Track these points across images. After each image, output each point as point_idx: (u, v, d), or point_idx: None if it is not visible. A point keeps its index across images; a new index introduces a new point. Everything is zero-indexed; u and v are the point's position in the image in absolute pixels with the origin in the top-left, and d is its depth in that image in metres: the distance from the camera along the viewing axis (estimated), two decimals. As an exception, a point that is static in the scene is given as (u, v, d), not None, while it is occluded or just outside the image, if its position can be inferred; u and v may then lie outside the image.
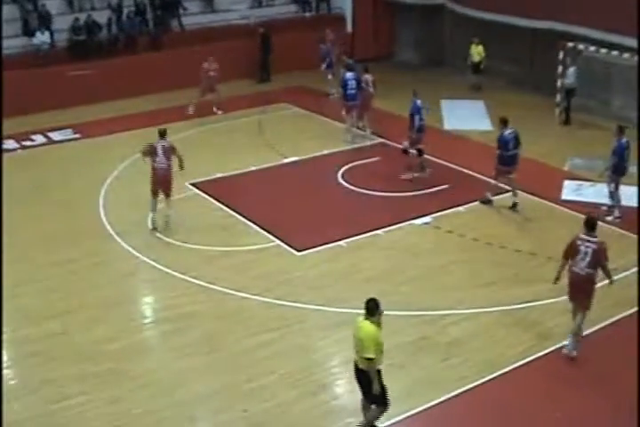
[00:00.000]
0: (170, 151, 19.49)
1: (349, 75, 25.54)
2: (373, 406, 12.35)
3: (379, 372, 11.96)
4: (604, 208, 20.29)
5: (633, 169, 20.75)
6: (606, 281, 14.48)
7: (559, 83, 27.80)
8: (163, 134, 19.66)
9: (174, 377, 14.11)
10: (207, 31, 32.90)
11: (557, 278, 14.52)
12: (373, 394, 12.00)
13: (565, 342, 14.63)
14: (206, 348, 14.96)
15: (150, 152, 19.47)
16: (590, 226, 14.23)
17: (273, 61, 32.86)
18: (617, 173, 19.90)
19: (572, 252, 14.23)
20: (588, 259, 14.04)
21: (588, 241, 14.08)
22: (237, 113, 28.49)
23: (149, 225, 19.83)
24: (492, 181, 20.97)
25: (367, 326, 11.64)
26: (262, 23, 33.58)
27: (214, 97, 28.58)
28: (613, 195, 20.13)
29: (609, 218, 19.93)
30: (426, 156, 23.00)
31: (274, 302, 16.37)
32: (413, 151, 22.84)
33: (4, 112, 26.51)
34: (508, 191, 20.98)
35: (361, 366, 11.89)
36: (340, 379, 14.21)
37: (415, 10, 35.42)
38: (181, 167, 19.69)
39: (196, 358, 14.66)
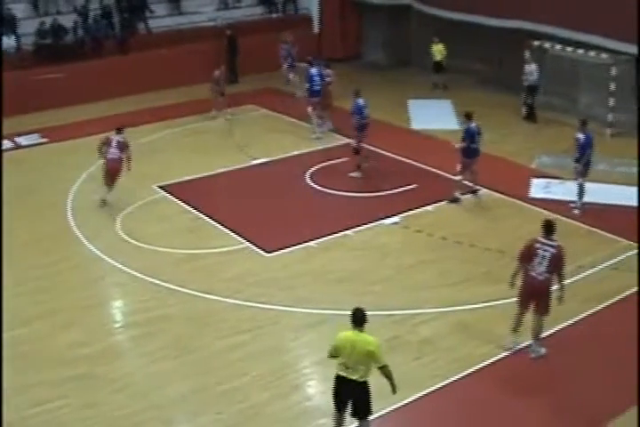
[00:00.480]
0: (123, 146, 20.90)
1: (314, 70, 25.67)
2: (362, 421, 12.13)
3: None
4: (572, 205, 20.43)
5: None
6: (576, 277, 14.59)
7: (524, 81, 27.97)
8: (119, 130, 21.20)
9: (149, 380, 14.08)
10: (174, 34, 32.93)
11: (513, 283, 14.39)
12: (368, 405, 11.97)
13: (508, 341, 14.76)
14: (178, 351, 14.91)
15: (105, 143, 20.96)
16: (549, 230, 14.10)
17: (240, 63, 32.83)
18: (588, 165, 20.14)
19: (528, 255, 14.10)
20: (545, 263, 13.91)
21: (547, 245, 13.98)
22: (204, 115, 28.42)
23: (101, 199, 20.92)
24: (458, 178, 21.08)
25: (369, 338, 11.49)
26: (229, 25, 33.58)
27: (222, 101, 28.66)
28: (582, 187, 20.29)
29: (576, 211, 20.16)
30: (388, 153, 23.06)
31: (244, 304, 16.35)
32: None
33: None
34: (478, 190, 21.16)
35: (354, 376, 11.60)
36: (313, 380, 14.25)
37: (382, 10, 35.48)
38: (128, 168, 20.82)
39: (169, 361, 14.62)
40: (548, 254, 13.90)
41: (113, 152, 20.72)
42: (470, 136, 20.68)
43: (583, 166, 20.04)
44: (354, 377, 11.63)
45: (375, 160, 23.61)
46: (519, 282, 14.38)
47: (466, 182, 21.15)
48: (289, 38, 31.94)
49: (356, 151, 23.03)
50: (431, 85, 31.88)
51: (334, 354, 11.70)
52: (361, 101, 23.07)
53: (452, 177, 21.29)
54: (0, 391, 13.44)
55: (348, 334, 11.59)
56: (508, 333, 14.74)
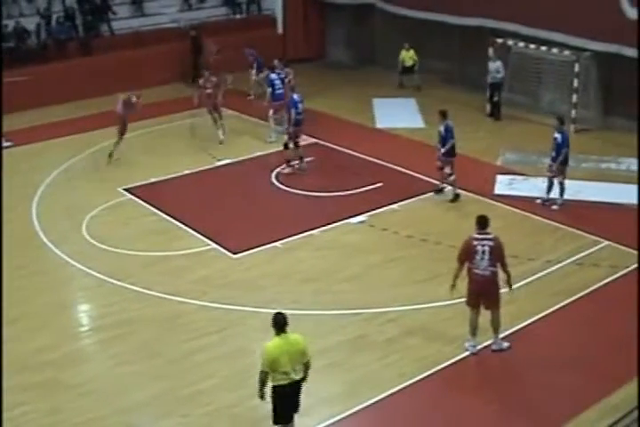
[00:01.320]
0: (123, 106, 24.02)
1: (274, 75, 25.64)
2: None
3: None
4: (540, 201, 20.62)
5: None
6: (543, 273, 14.72)
7: (488, 78, 28.07)
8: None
9: (114, 385, 14.00)
10: (138, 35, 32.70)
11: (454, 285, 14.38)
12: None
13: (469, 344, 14.78)
14: (145, 354, 14.85)
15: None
16: (483, 224, 14.24)
17: (204, 64, 32.70)
18: (566, 163, 20.30)
19: (468, 254, 14.13)
20: (487, 257, 13.97)
21: (484, 239, 14.08)
22: (170, 116, 28.29)
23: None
24: (452, 178, 21.04)
25: (296, 337, 11.53)
26: (193, 26, 33.45)
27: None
28: (563, 185, 20.43)
29: (555, 207, 20.36)
30: (353, 153, 23.17)
31: (211, 306, 16.33)
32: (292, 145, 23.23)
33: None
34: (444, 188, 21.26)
35: (299, 376, 11.62)
36: (280, 380, 14.23)
37: (346, 9, 35.48)
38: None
39: (136, 364, 14.56)
40: (487, 248, 13.99)
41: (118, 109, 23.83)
42: (452, 133, 20.66)
43: (562, 165, 20.19)
44: (298, 377, 11.67)
45: (314, 161, 23.70)
46: (462, 283, 14.41)
47: (450, 180, 21.13)
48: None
49: (286, 146, 23.26)
50: (397, 85, 31.99)
51: (268, 370, 11.51)
52: (296, 96, 23.25)
53: (446, 179, 21.21)
54: (0, 393, 13.38)
55: (276, 342, 11.50)
56: (468, 337, 14.72)
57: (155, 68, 30.66)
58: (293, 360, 11.47)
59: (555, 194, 20.56)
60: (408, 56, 31.76)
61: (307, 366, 11.68)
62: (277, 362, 11.42)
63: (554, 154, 20.22)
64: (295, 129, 23.04)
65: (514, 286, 14.53)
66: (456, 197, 21.05)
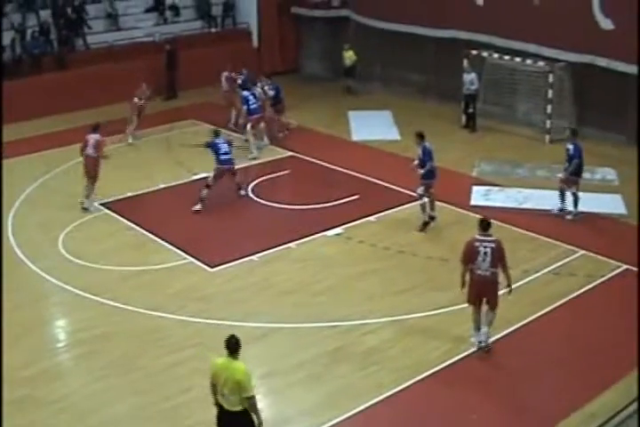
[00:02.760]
0: (98, 144, 21.53)
1: (246, 93, 25.76)
2: None
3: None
4: (555, 211, 20.70)
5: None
6: (520, 282, 14.86)
7: (464, 90, 28.17)
8: (95, 129, 21.89)
9: (92, 400, 13.91)
10: (113, 49, 32.67)
11: (463, 284, 14.68)
12: None
13: (475, 339, 15.03)
14: (123, 369, 14.78)
15: (84, 145, 21.68)
16: (484, 226, 14.57)
17: (179, 78, 32.76)
18: (579, 174, 20.35)
19: (470, 255, 14.47)
20: (488, 259, 14.31)
21: (486, 241, 14.40)
22: (145, 131, 28.22)
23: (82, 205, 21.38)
24: (423, 201, 20.40)
25: (239, 366, 11.10)
26: (168, 40, 33.47)
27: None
28: (577, 196, 20.43)
29: (569, 217, 20.39)
30: (329, 165, 23.60)
31: (189, 320, 16.28)
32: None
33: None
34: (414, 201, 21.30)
35: (235, 408, 11.23)
36: (258, 393, 13.92)
37: (321, 22, 35.71)
38: (104, 156, 21.92)
39: (113, 379, 14.49)
40: (488, 250, 14.30)
41: (89, 151, 21.48)
42: (430, 155, 19.87)
43: (575, 176, 20.25)
44: (231, 408, 11.27)
45: (290, 174, 23.76)
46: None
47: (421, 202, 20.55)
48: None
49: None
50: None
51: (213, 382, 11.38)
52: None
53: (418, 202, 20.59)
54: (0, 391, 13.43)
55: (220, 361, 11.31)
56: (472, 333, 15.09)
57: (130, 83, 30.54)
58: (227, 385, 11.14)
59: (568, 205, 20.66)
60: (348, 56, 32.66)
61: (248, 403, 11.14)
62: (215, 378, 11.31)
63: (566, 165, 20.27)
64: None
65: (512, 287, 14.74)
66: (424, 225, 20.31)
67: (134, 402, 13.78)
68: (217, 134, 22.33)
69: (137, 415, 13.46)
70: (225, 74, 29.20)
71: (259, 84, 27.00)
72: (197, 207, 21.48)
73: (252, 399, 11.11)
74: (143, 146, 27.16)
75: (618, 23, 24.56)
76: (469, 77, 27.64)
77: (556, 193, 20.67)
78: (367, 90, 32.60)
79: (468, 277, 14.62)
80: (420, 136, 20.00)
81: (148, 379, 14.46)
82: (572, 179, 20.28)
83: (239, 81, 28.24)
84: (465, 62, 28.08)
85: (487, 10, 28.14)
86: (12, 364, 14.72)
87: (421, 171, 19.89)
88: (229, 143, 22.66)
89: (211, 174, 21.93)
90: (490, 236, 14.50)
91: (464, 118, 28.31)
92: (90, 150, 21.38)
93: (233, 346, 11.23)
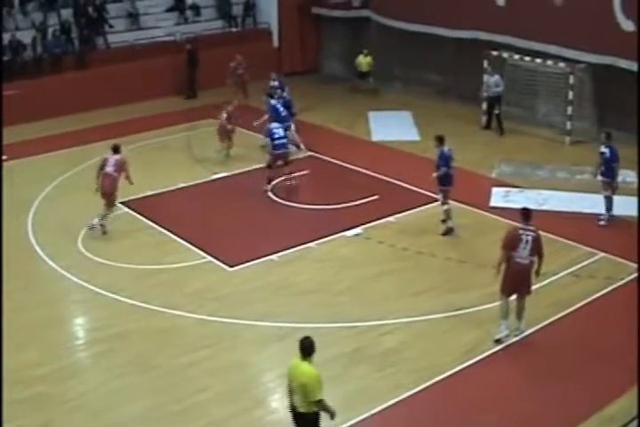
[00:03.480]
0: (120, 164, 20.27)
1: (273, 101, 25.25)
2: None
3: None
4: (601, 218, 20.40)
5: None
6: (539, 284, 15.04)
7: (485, 91, 28.08)
8: (116, 150, 20.50)
9: (107, 399, 13.93)
10: (133, 48, 32.77)
11: (499, 270, 15.08)
12: None
13: (504, 333, 15.22)
14: (139, 367, 14.81)
15: (102, 165, 20.29)
16: (526, 217, 15.07)
17: (200, 77, 32.79)
18: (614, 178, 20.15)
19: (513, 242, 14.89)
20: (529, 247, 14.80)
21: (528, 230, 14.91)
22: (166, 130, 28.30)
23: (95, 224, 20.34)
24: (445, 207, 20.23)
25: (308, 370, 11.01)
26: (189, 39, 33.53)
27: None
28: (611, 201, 20.29)
29: (602, 223, 20.20)
30: (349, 166, 23.49)
31: (207, 319, 16.29)
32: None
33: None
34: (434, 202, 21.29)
35: (303, 409, 11.28)
36: (276, 393, 14.18)
37: (341, 23, 35.67)
38: (130, 182, 20.55)
39: (129, 378, 14.52)
40: (530, 238, 14.83)
41: (109, 171, 20.14)
42: (446, 161, 19.64)
43: (612, 179, 20.05)
44: (296, 406, 11.35)
45: (310, 174, 23.68)
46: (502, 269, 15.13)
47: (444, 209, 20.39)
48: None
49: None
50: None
51: (288, 382, 11.42)
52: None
53: (442, 207, 20.40)
54: (0, 392, 13.45)
55: (294, 362, 11.30)
56: (500, 322, 15.25)
57: (150, 82, 30.72)
58: (293, 385, 11.24)
59: (600, 209, 20.45)
60: (365, 62, 32.72)
61: (316, 406, 11.14)
62: (289, 378, 11.32)
63: (603, 169, 20.05)
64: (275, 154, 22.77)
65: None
66: (448, 230, 20.10)
67: (149, 401, 13.79)
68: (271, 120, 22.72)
69: (151, 415, 13.46)
70: (232, 65, 29.97)
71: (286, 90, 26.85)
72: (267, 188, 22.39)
73: (319, 403, 11.07)
74: (163, 145, 27.20)
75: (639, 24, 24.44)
76: (493, 80, 27.52)
77: (577, 195, 20.57)
78: (387, 90, 32.53)
79: (503, 266, 15.03)
80: (440, 139, 19.83)
81: (163, 378, 14.46)
82: (608, 182, 20.06)
83: (274, 83, 27.98)
84: (485, 63, 28.00)
85: (508, 10, 28.02)
86: (29, 361, 14.84)
87: (434, 174, 19.71)
88: (286, 128, 23.26)
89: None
90: (531, 226, 15.00)
91: (484, 119, 28.21)
92: (109, 168, 20.16)
93: (305, 348, 11.15)
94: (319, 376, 11.01)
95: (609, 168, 19.92)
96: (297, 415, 11.45)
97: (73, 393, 14.07)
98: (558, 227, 19.62)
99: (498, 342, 15.18)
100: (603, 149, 20.06)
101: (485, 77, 27.69)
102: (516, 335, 15.31)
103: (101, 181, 20.23)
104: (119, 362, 14.98)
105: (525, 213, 15.14)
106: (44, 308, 17.00)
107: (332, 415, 11.27)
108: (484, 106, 28.33)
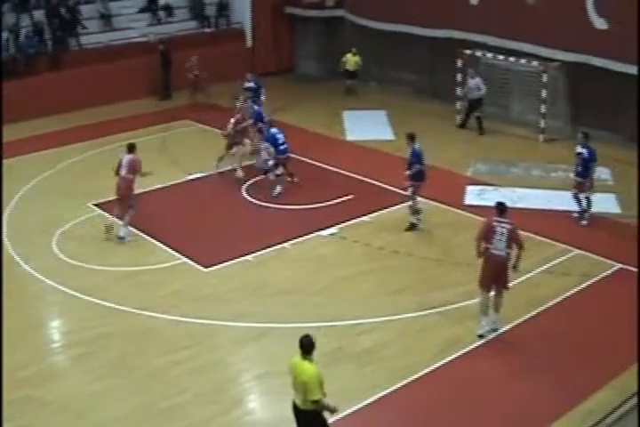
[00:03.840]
0: (132, 164, 19.89)
1: (274, 130, 23.25)
2: None
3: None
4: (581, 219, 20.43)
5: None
6: (514, 282, 15.71)
7: (460, 91, 28.09)
8: (130, 149, 20.24)
9: (87, 401, 13.90)
10: (107, 50, 32.62)
11: (480, 256, 15.40)
12: None
13: (485, 328, 15.51)
14: (119, 369, 14.78)
15: (118, 166, 20.00)
16: (501, 210, 15.27)
17: (174, 78, 32.72)
18: (592, 177, 20.14)
19: (487, 233, 15.15)
20: (505, 239, 15.01)
21: (503, 222, 15.12)
22: (140, 131, 28.18)
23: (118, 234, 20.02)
24: (410, 203, 20.30)
25: (308, 368, 11.02)
26: (162, 40, 33.43)
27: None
28: (590, 199, 20.29)
29: (584, 222, 20.23)
30: (323, 165, 23.49)
31: (184, 320, 16.27)
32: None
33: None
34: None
35: (303, 407, 11.27)
36: (254, 394, 14.29)
37: (316, 22, 35.68)
38: (142, 175, 20.16)
39: (109, 380, 14.48)
40: (505, 231, 15.03)
41: (123, 173, 19.87)
42: (418, 157, 19.72)
43: (588, 179, 20.01)
44: (301, 406, 11.34)
45: (285, 174, 23.15)
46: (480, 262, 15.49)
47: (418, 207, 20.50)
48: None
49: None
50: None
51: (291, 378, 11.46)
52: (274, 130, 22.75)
53: (407, 203, 20.52)
54: (0, 394, 13.44)
55: (294, 360, 11.32)
56: (480, 318, 15.50)
57: (124, 83, 30.59)
58: (295, 385, 11.26)
59: (575, 206, 20.55)
60: (353, 61, 32.42)
61: (313, 405, 11.11)
62: (291, 376, 11.35)
63: (580, 169, 20.05)
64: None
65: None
66: (412, 226, 20.24)
67: (131, 403, 13.76)
68: (272, 125, 22.64)
69: (133, 416, 13.44)
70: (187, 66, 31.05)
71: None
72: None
73: (316, 403, 11.03)
74: (138, 146, 26.96)
75: (612, 23, 24.58)
76: (474, 82, 27.42)
77: (552, 193, 20.67)
78: (362, 90, 32.57)
79: (482, 259, 15.33)
80: (411, 137, 19.95)
81: (143, 380, 14.44)
82: (588, 182, 20.04)
83: (249, 84, 27.84)
84: (459, 62, 28.10)
85: (482, 9, 28.12)
86: (9, 365, 14.73)
87: (407, 172, 19.81)
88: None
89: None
90: (507, 219, 15.18)
91: (459, 118, 28.27)
92: (123, 171, 19.86)
93: (305, 346, 11.20)
94: (320, 375, 11.05)
95: (586, 168, 19.97)
96: (298, 412, 11.47)
97: (54, 395, 14.02)
98: (533, 224, 19.68)
99: (480, 337, 15.35)
100: (580, 149, 20.12)
101: (468, 80, 27.62)
102: (494, 330, 15.51)
103: (118, 183, 20.00)
104: (99, 364, 14.94)
105: (500, 208, 15.34)
106: (21, 311, 16.85)
107: (333, 412, 11.35)
108: (458, 105, 28.43)
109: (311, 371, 11.02)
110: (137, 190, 20.25)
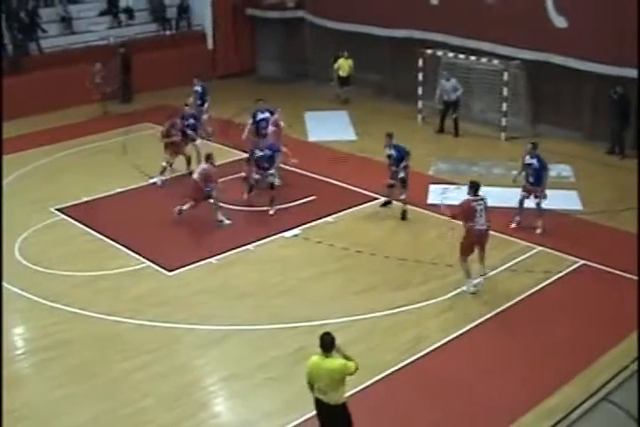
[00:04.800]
0: (204, 175, 20.59)
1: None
2: None
3: None
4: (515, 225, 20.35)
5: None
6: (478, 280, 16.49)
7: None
8: (207, 159, 20.94)
9: (51, 408, 13.82)
10: (67, 53, 32.46)
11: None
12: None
13: (473, 288, 17.04)
14: (82, 375, 14.68)
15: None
16: (475, 188, 16.83)
17: (134, 81, 32.58)
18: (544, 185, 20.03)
19: (470, 213, 16.62)
20: (483, 214, 16.69)
21: (479, 200, 16.77)
22: (101, 135, 28.03)
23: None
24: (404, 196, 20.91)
25: (332, 363, 11.25)
26: (122, 43, 33.28)
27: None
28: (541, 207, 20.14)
29: (539, 231, 20.00)
30: (286, 167, 23.32)
31: (147, 324, 16.21)
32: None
33: None
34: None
35: (333, 402, 11.45)
36: (219, 397, 14.23)
37: (276, 24, 35.66)
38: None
39: (73, 386, 14.39)
40: (482, 207, 16.72)
41: (194, 177, 20.77)
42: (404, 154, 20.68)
43: (542, 187, 19.83)
44: (328, 401, 11.44)
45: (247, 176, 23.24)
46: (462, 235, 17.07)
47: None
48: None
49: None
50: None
51: (309, 380, 11.53)
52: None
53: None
54: (0, 391, 13.43)
55: (316, 359, 11.39)
56: (467, 281, 17.05)
57: (84, 87, 30.35)
58: (324, 382, 11.34)
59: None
60: (347, 65, 31.47)
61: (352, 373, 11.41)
62: (312, 376, 11.44)
63: (532, 179, 19.89)
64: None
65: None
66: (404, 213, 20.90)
67: (95, 409, 13.67)
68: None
69: (98, 422, 13.36)
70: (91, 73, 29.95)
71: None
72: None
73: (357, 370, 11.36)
74: (98, 150, 26.95)
75: (571, 21, 24.74)
76: (450, 84, 27.19)
77: (513, 191, 20.69)
78: (323, 90, 32.55)
79: (463, 234, 16.99)
80: (390, 136, 20.88)
81: (107, 385, 14.36)
82: (540, 189, 19.87)
83: (196, 88, 27.80)
84: (420, 61, 28.18)
85: (442, 9, 28.27)
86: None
87: (402, 174, 20.78)
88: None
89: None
90: (480, 195, 16.80)
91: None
92: (195, 175, 20.79)
93: (326, 344, 11.31)
94: (346, 363, 11.31)
95: (538, 177, 19.84)
96: (327, 408, 11.57)
97: (17, 403, 13.88)
98: (495, 222, 19.64)
99: (474, 294, 16.93)
100: (529, 159, 19.89)
101: (442, 82, 27.37)
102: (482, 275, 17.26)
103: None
104: (62, 370, 14.84)
105: (474, 186, 16.80)
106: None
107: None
108: (420, 104, 28.53)
109: (339, 365, 11.25)
110: (96, 195, 20.07)
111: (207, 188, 20.52)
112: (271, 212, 21.31)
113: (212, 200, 20.64)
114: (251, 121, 24.18)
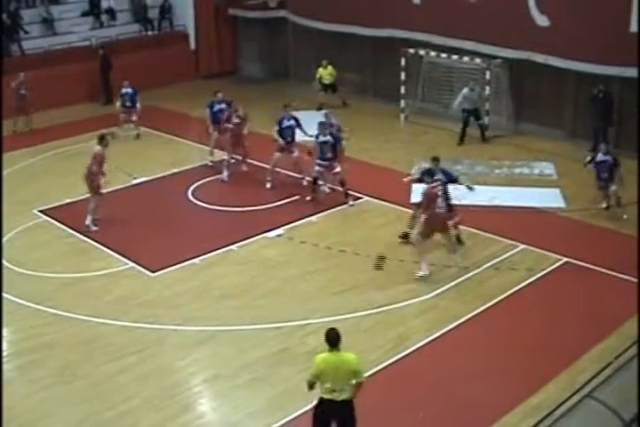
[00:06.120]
0: (97, 157, 20.86)
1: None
2: None
3: None
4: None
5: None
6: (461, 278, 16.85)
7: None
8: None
9: (35, 411, 13.75)
10: (49, 54, 32.36)
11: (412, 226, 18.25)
12: (355, 422, 11.76)
13: (424, 272, 17.37)
14: (66, 377, 14.64)
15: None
16: (431, 174, 17.91)
17: (116, 82, 32.46)
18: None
19: (433, 201, 17.12)
20: (442, 197, 17.21)
21: (438, 185, 17.32)
22: (83, 136, 27.88)
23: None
24: None
25: (349, 357, 11.29)
26: (103, 44, 33.20)
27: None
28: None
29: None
30: (268, 166, 23.28)
31: (131, 326, 16.17)
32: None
33: None
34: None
35: (343, 396, 11.38)
36: (203, 397, 14.19)
37: (258, 24, 35.68)
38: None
39: (57, 388, 14.35)
40: (441, 191, 17.30)
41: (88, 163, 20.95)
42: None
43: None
44: (343, 398, 11.40)
45: (230, 176, 23.65)
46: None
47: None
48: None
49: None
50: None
51: (314, 380, 11.43)
52: None
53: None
54: (0, 391, 13.38)
55: (326, 356, 11.29)
56: (421, 266, 17.40)
57: (66, 88, 30.29)
58: (339, 378, 11.28)
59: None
60: (327, 73, 30.96)
61: (357, 386, 11.43)
62: (321, 376, 11.33)
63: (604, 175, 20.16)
64: None
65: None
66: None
67: (79, 411, 13.62)
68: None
69: (81, 425, 13.30)
70: (13, 84, 28.96)
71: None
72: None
73: (362, 382, 11.47)
74: (80, 152, 26.77)
75: (553, 19, 24.81)
76: (475, 94, 26.37)
77: (493, 188, 20.77)
78: (304, 91, 32.52)
79: (423, 218, 17.31)
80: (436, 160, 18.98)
81: (91, 387, 14.31)
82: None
83: (126, 90, 28.14)
84: (403, 60, 28.20)
85: (424, 8, 28.28)
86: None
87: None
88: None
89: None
90: (436, 180, 17.47)
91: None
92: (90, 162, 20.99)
93: (332, 339, 11.25)
94: (355, 356, 11.41)
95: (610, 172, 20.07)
96: (336, 405, 11.50)
97: (0, 406, 13.87)
98: (477, 221, 19.84)
99: (422, 277, 17.31)
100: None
101: (465, 91, 26.38)
102: (456, 265, 17.67)
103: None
104: (46, 373, 14.78)
105: (429, 172, 18.14)
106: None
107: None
108: (402, 103, 28.52)
109: (354, 357, 11.32)
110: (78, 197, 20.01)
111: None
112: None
113: None
114: (207, 111, 25.01)
